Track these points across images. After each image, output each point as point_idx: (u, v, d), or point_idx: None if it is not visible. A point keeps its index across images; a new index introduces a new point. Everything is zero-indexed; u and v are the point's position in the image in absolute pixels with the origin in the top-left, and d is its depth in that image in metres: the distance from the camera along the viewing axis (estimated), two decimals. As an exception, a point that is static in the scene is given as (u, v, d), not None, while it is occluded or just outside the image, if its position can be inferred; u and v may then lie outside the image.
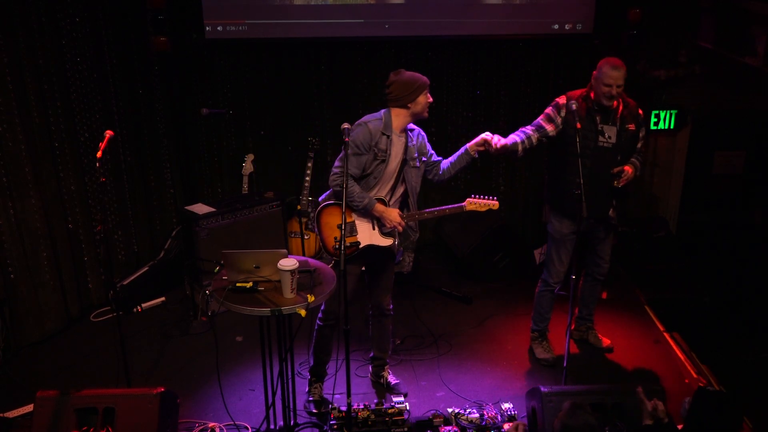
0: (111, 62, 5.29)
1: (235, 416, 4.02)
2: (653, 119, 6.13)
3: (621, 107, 4.15)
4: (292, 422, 3.84)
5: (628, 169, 4.13)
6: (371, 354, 4.44)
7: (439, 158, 4.04)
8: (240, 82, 5.90)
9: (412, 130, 3.92)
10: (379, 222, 3.90)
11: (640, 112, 4.25)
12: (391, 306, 4.23)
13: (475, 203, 3.90)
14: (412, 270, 5.77)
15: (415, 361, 4.68)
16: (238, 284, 3.39)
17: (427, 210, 3.97)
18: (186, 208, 5.30)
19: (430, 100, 3.83)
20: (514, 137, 4.15)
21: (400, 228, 3.87)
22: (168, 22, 5.21)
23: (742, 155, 6.55)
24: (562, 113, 4.14)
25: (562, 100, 4.17)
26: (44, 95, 4.80)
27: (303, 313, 3.25)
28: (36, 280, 4.84)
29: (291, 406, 3.79)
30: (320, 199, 4.05)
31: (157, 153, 5.81)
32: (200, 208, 5.22)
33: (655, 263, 5.98)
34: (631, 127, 4.16)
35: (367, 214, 3.86)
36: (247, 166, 5.80)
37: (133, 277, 5.42)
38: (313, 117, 6.06)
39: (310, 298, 3.27)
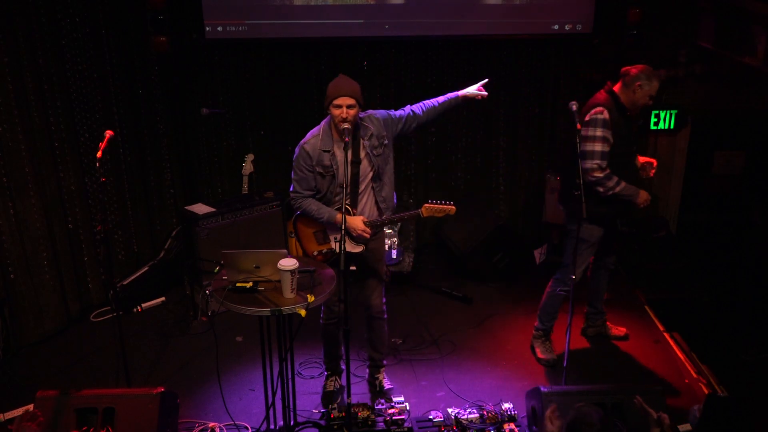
0: (111, 62, 5.28)
1: (235, 416, 4.02)
2: (653, 119, 6.13)
3: None
4: (292, 422, 3.84)
5: (652, 160, 4.29)
6: (367, 354, 4.43)
7: (408, 111, 3.92)
8: (240, 82, 5.90)
9: (362, 119, 3.78)
10: (347, 230, 3.79)
11: None
12: (384, 308, 4.16)
13: (432, 209, 3.77)
14: (412, 270, 5.77)
15: (415, 361, 4.68)
16: (238, 284, 3.40)
17: (387, 216, 3.93)
18: (186, 208, 5.30)
19: (344, 115, 3.59)
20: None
21: (366, 235, 3.79)
22: (168, 22, 5.21)
23: (741, 155, 6.55)
24: (609, 124, 4.11)
25: (605, 113, 4.08)
26: (44, 95, 4.80)
27: (303, 313, 3.25)
28: (36, 280, 4.84)
29: (291, 406, 3.79)
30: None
31: (157, 153, 5.81)
32: (200, 208, 5.22)
33: (655, 263, 5.97)
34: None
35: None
36: (247, 166, 5.79)
37: (133, 277, 5.42)
38: (313, 117, 6.04)
39: (310, 298, 3.27)
